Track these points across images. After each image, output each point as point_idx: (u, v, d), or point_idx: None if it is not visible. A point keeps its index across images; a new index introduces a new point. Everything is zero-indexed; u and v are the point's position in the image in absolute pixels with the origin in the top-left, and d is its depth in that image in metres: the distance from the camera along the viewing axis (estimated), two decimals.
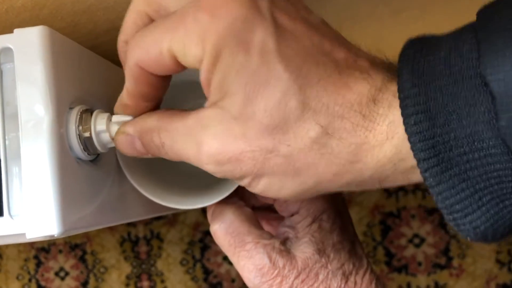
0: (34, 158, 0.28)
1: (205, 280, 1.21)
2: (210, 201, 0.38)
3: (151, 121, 0.30)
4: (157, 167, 0.42)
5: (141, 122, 0.30)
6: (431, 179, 0.25)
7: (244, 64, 0.25)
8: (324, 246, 0.36)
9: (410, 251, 1.04)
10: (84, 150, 0.31)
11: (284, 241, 0.36)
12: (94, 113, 0.31)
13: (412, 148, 0.25)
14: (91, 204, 0.33)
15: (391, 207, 1.05)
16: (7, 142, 0.30)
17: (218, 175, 0.28)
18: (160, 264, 1.23)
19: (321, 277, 0.35)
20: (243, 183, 0.28)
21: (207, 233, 1.20)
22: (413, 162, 0.25)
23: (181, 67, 0.27)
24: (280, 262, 0.35)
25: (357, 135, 0.25)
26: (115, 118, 0.31)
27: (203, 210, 1.19)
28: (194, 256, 1.21)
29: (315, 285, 0.35)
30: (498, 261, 1.02)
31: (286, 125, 0.25)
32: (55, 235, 0.28)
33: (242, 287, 1.18)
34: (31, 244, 1.26)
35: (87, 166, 0.33)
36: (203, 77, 0.27)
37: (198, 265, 1.21)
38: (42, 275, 1.26)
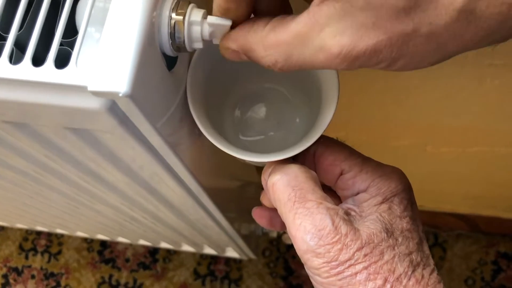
0: (119, 25, 0.26)
1: None
2: (273, 158, 0.34)
3: (252, 37, 0.27)
4: (220, 115, 0.39)
5: (242, 39, 0.28)
6: None
7: None
8: (392, 228, 0.31)
9: None
10: (170, 38, 0.29)
11: (347, 214, 0.32)
12: (191, 5, 0.29)
13: None
14: (158, 101, 0.30)
15: None
16: (94, 7, 0.28)
17: (351, 69, 0.25)
18: None
19: (386, 257, 0.30)
20: (378, 67, 0.25)
21: None
22: None
23: None
24: (343, 228, 0.30)
25: None
26: (211, 19, 0.29)
27: (195, 272, 1.11)
28: None
29: (379, 263, 0.30)
30: None
31: (425, 2, 0.23)
32: (121, 93, 0.25)
33: None
34: (5, 261, 1.16)
35: (164, 66, 0.30)
36: None
37: None
38: None
